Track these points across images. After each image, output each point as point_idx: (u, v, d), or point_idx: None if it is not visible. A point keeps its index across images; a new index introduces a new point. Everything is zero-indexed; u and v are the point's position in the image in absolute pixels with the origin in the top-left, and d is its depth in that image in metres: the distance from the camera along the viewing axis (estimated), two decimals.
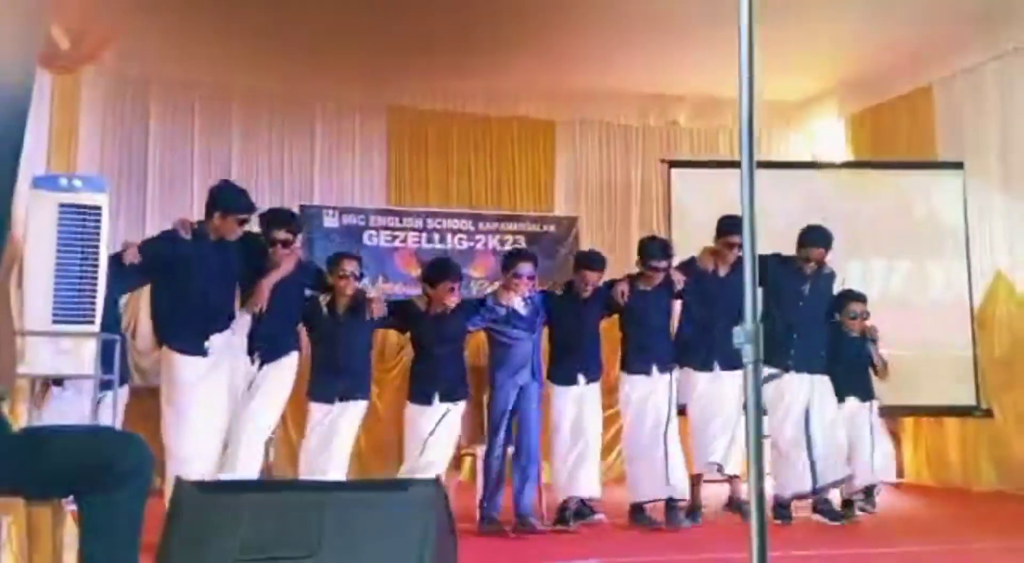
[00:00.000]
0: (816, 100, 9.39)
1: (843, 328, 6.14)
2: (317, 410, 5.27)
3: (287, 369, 5.16)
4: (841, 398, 6.04)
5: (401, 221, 8.65)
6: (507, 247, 8.32)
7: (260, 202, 5.38)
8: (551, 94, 9.10)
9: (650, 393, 5.67)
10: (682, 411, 5.87)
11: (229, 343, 4.98)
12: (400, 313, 5.61)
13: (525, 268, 5.61)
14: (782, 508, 5.75)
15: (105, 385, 4.84)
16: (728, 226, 5.75)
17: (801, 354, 5.85)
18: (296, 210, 6.87)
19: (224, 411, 4.90)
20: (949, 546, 5.07)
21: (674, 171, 8.23)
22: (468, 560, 2.47)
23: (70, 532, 2.23)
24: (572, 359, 5.71)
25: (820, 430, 5.81)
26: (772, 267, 5.67)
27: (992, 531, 5.59)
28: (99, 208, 4.75)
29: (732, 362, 5.37)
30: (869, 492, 6.22)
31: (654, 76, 8.68)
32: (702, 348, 5.81)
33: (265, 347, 5.09)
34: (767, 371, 5.74)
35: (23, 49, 1.75)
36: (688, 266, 5.96)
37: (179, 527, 2.17)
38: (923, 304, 7.78)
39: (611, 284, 5.80)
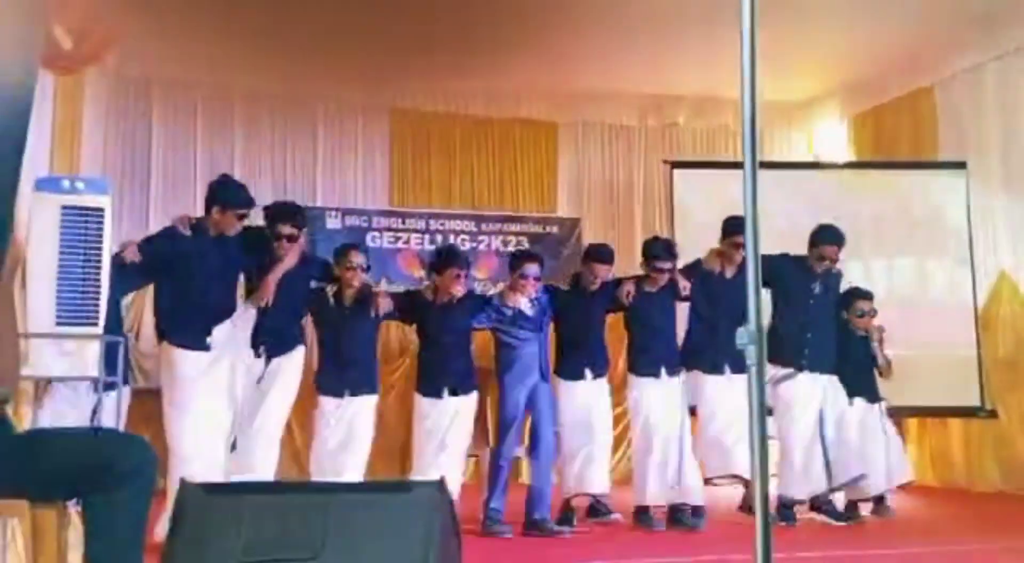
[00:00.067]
0: (818, 100, 9.38)
1: (850, 326, 6.12)
2: (327, 403, 5.24)
3: (297, 363, 5.16)
4: (849, 399, 6.01)
5: (404, 222, 8.66)
6: (510, 248, 8.33)
7: (263, 203, 5.35)
8: (552, 95, 9.11)
9: (662, 398, 5.63)
10: (690, 412, 5.83)
11: (232, 337, 4.94)
12: (406, 303, 5.58)
13: (532, 269, 5.58)
14: (786, 509, 5.73)
15: (108, 387, 4.84)
16: (734, 227, 5.71)
17: (814, 353, 5.82)
18: None
19: (226, 408, 4.86)
20: (953, 547, 5.05)
21: (676, 172, 8.25)
22: (472, 562, 2.46)
23: (75, 533, 2.24)
24: (579, 354, 5.68)
25: (833, 430, 5.79)
26: (782, 266, 5.65)
27: (996, 532, 5.57)
28: (102, 210, 4.76)
29: (742, 365, 5.33)
30: (880, 500, 6.09)
31: (655, 76, 8.67)
32: (710, 350, 5.77)
33: (271, 341, 5.07)
34: (782, 371, 5.75)
35: (24, 49, 1.76)
36: (694, 268, 5.92)
37: (183, 528, 2.17)
38: (927, 305, 7.77)
39: (618, 282, 5.78)
